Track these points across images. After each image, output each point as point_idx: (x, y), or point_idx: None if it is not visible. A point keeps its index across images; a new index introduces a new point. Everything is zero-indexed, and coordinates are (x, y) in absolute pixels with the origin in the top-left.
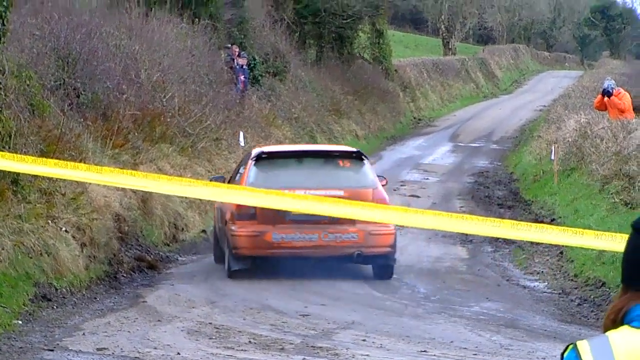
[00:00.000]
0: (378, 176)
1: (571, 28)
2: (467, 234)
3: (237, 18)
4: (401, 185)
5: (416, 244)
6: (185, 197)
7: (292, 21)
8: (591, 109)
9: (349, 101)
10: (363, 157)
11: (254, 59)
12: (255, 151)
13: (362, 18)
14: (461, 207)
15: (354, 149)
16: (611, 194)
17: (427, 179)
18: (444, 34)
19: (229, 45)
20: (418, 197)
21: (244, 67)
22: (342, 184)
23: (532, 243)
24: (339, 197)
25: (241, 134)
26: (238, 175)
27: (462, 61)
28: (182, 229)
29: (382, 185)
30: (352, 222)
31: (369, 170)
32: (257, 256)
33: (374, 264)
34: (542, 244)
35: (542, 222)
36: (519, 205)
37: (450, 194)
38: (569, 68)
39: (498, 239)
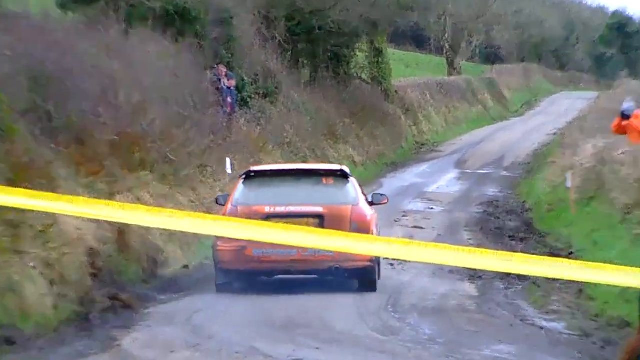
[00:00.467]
0: (379, 194)
1: (586, 46)
2: (475, 269)
3: (224, 36)
4: (403, 216)
5: (420, 280)
6: (166, 230)
7: (284, 39)
8: (610, 132)
9: (346, 125)
10: (347, 175)
11: (243, 80)
12: (245, 170)
13: (360, 36)
14: (469, 239)
15: (339, 167)
16: (634, 224)
17: (432, 208)
18: (448, 53)
19: (216, 65)
20: (422, 228)
21: (232, 88)
22: (322, 201)
23: (548, 279)
24: (317, 213)
25: (228, 160)
26: (231, 200)
27: (469, 81)
28: (162, 264)
29: (383, 203)
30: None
31: (352, 188)
32: (239, 270)
33: (354, 278)
34: (559, 280)
35: (558, 255)
36: (532, 237)
37: (457, 225)
38: (584, 88)
39: (510, 274)
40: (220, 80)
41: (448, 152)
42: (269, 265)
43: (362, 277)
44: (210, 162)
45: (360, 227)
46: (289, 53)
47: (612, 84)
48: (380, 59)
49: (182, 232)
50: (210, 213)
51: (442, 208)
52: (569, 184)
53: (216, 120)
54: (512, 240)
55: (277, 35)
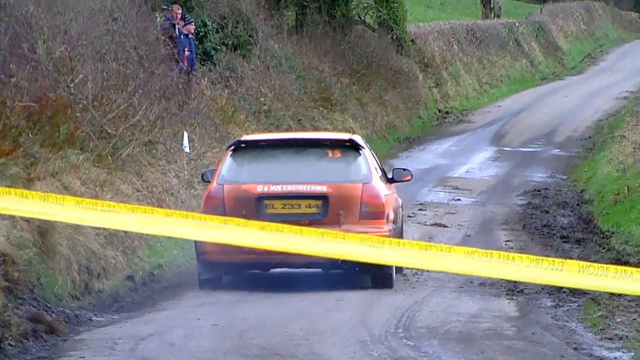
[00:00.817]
0: (401, 169)
1: None
2: (515, 282)
3: None
4: (420, 210)
5: (441, 297)
6: (104, 229)
7: None
8: None
9: (344, 86)
10: (359, 146)
11: (205, 25)
12: (234, 140)
13: None
14: (507, 241)
15: (348, 136)
16: None
17: (458, 200)
18: None
19: (168, 5)
20: (445, 226)
21: (190, 36)
22: (327, 178)
23: (611, 295)
24: (321, 193)
25: (185, 135)
26: (216, 177)
27: (510, 27)
28: (99, 275)
29: (407, 180)
30: (335, 221)
31: (363, 161)
32: (228, 262)
33: (366, 272)
34: (625, 296)
35: (626, 263)
36: (592, 238)
37: (492, 223)
38: None
39: (561, 288)
40: (174, 25)
41: (481, 123)
42: (264, 256)
43: (375, 270)
44: (161, 137)
45: (373, 210)
46: None
47: None
48: None
49: (124, 231)
50: (162, 205)
51: (473, 199)
52: None
53: (169, 80)
54: (565, 242)
55: None
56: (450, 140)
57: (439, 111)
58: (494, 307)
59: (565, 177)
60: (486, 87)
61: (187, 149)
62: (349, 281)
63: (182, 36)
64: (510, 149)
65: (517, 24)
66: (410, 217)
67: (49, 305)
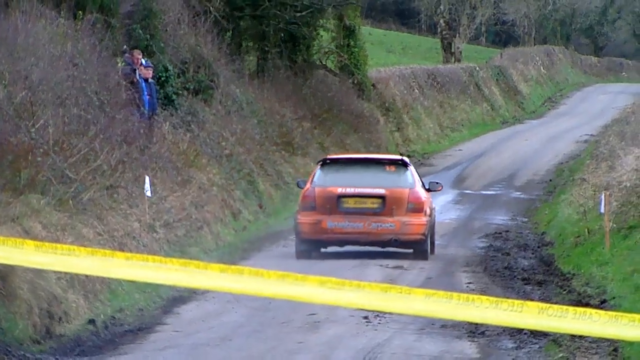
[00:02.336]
0: (435, 182)
1: (630, 22)
2: (477, 324)
3: (140, 11)
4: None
5: (403, 339)
6: (65, 273)
7: (222, 15)
8: None
9: (306, 130)
10: (407, 164)
11: (166, 70)
12: (322, 158)
13: (325, 9)
14: (469, 283)
15: (399, 157)
16: None
17: None
18: (443, 32)
19: (129, 51)
20: (406, 269)
21: (151, 81)
22: (385, 185)
23: (572, 336)
24: (380, 194)
25: (147, 179)
26: (309, 182)
27: (471, 71)
28: (60, 318)
29: (438, 190)
30: (390, 213)
31: (410, 175)
32: (315, 240)
33: (409, 248)
34: (587, 337)
35: (587, 305)
36: (553, 280)
37: (453, 265)
38: (627, 80)
39: (523, 330)
40: (135, 71)
41: (442, 166)
42: (340, 236)
43: (415, 247)
44: (123, 181)
45: (416, 207)
46: (229, 34)
47: None
48: (352, 42)
49: (86, 275)
50: (123, 249)
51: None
52: (602, 209)
53: (130, 125)
54: (526, 284)
55: (212, 8)
56: None
57: (401, 155)
58: (456, 349)
59: (526, 219)
60: (447, 130)
61: (148, 193)
62: (400, 254)
63: (142, 81)
64: (471, 192)
65: (477, 68)
66: (372, 259)
67: (9, 349)
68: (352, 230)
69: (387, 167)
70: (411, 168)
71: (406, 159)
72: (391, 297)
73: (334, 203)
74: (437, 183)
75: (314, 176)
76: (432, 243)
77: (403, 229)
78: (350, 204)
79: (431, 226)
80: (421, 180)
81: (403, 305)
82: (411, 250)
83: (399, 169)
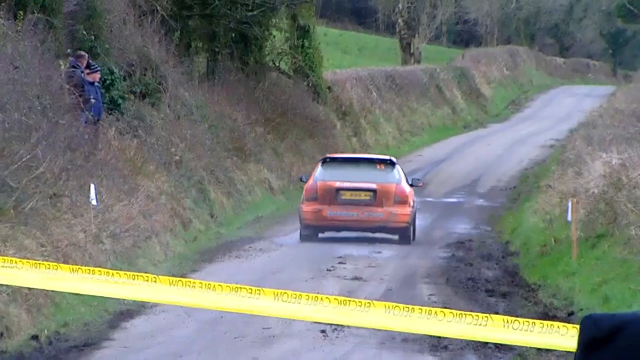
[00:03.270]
0: (416, 179)
1: (597, 21)
2: (439, 337)
3: (84, 10)
4: (339, 264)
5: (363, 353)
6: (6, 286)
7: (170, 14)
8: (628, 144)
9: (259, 136)
10: (394, 163)
11: (111, 73)
12: (323, 157)
13: (277, 8)
14: (430, 295)
15: (388, 157)
16: None
17: (379, 252)
18: (402, 32)
19: (73, 53)
20: (365, 280)
21: (96, 84)
22: (376, 180)
23: (539, 350)
24: (372, 188)
25: (92, 187)
26: (311, 178)
27: (431, 73)
28: (2, 334)
29: (419, 185)
30: (380, 204)
31: (396, 172)
32: (317, 225)
33: (395, 234)
34: (554, 351)
35: (554, 317)
36: (518, 291)
37: (414, 276)
38: (593, 81)
39: (487, 344)
40: (79, 73)
41: None
42: (338, 222)
43: (401, 233)
44: (67, 190)
45: (401, 199)
46: (177, 34)
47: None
48: (306, 42)
49: (29, 288)
50: (68, 261)
51: (394, 252)
52: (569, 217)
53: (74, 131)
54: (490, 296)
55: (159, 7)
56: None
57: None
58: None
59: (490, 228)
60: (407, 135)
61: (94, 202)
62: (386, 239)
63: (87, 84)
64: (432, 199)
65: (438, 70)
66: (329, 270)
67: None
68: (348, 218)
69: (378, 166)
70: (398, 167)
71: (394, 159)
72: (350, 310)
73: (333, 195)
74: (418, 179)
75: (316, 172)
76: (414, 229)
77: (391, 218)
78: (346, 196)
79: (414, 215)
80: (406, 176)
81: (362, 319)
82: (397, 235)
83: (388, 167)
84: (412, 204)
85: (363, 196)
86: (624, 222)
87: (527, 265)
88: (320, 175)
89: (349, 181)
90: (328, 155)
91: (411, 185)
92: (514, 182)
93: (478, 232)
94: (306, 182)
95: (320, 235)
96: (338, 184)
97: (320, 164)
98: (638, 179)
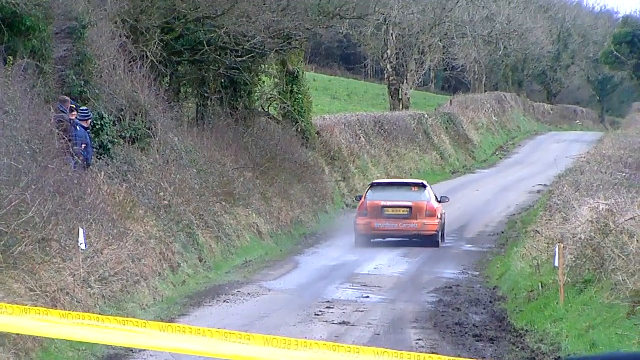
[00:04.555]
0: (444, 196)
1: (584, 68)
2: None
3: (74, 55)
4: (327, 308)
5: None
6: None
7: (159, 59)
8: (615, 190)
9: (247, 180)
10: (425, 186)
11: (101, 118)
12: (370, 183)
13: (266, 54)
14: (418, 340)
15: (420, 181)
16: None
17: (367, 297)
18: (391, 78)
19: (63, 97)
20: (352, 325)
21: (86, 129)
22: (411, 199)
23: None
24: (408, 205)
25: (81, 231)
26: (363, 198)
27: (419, 118)
28: None
29: (446, 202)
30: (415, 217)
31: (427, 192)
32: (367, 234)
33: (427, 239)
34: None
35: None
36: (506, 336)
37: (402, 321)
38: (581, 127)
39: None
40: (69, 118)
41: None
42: (383, 231)
43: (430, 239)
44: (56, 234)
45: (431, 212)
46: (167, 79)
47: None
48: (295, 87)
49: (17, 334)
50: (56, 305)
51: (382, 296)
52: (556, 262)
53: (64, 175)
54: (478, 340)
55: (149, 53)
56: None
57: (347, 205)
58: None
59: (477, 273)
60: None
61: (83, 246)
62: (419, 243)
63: (77, 129)
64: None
65: (426, 115)
66: (317, 315)
67: None
68: (390, 228)
69: (413, 188)
70: (428, 188)
71: (425, 182)
72: (339, 356)
73: (379, 211)
74: (446, 197)
75: (366, 194)
76: (443, 235)
77: (422, 227)
78: (389, 211)
79: (442, 225)
80: (435, 195)
81: None
82: (428, 241)
83: (420, 188)
84: (439, 216)
85: (401, 211)
86: (610, 268)
87: (515, 310)
88: (369, 196)
89: (390, 200)
90: (375, 181)
91: (439, 202)
92: (502, 228)
93: (466, 276)
94: (359, 200)
95: (372, 240)
96: (383, 202)
97: (369, 187)
98: (625, 225)
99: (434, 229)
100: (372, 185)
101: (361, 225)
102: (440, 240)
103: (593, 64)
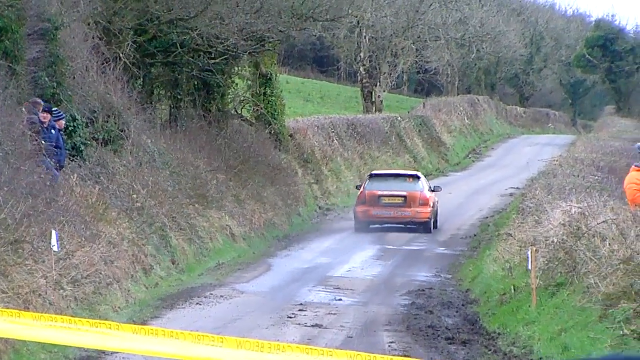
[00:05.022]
0: (437, 186)
1: (557, 71)
2: None
3: (46, 57)
4: (300, 311)
5: None
6: None
7: (133, 61)
8: (588, 193)
9: (220, 183)
10: (419, 177)
11: (74, 119)
12: (369, 174)
13: (240, 56)
14: (391, 342)
15: (414, 173)
16: (618, 322)
17: (340, 300)
18: (364, 81)
19: (35, 99)
20: (325, 328)
21: (59, 131)
22: (406, 189)
23: None
24: (403, 194)
25: (54, 233)
26: (362, 187)
27: (392, 121)
28: None
29: (439, 191)
30: (409, 206)
31: (420, 183)
32: (366, 221)
33: (420, 226)
34: None
35: None
36: (478, 339)
37: (375, 324)
38: (553, 130)
39: None
40: (41, 120)
41: None
42: (380, 219)
43: (423, 225)
44: (28, 236)
45: (424, 201)
46: (140, 81)
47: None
48: (268, 90)
49: None
50: (29, 307)
51: (355, 299)
52: (529, 265)
53: (36, 177)
54: (450, 343)
55: (122, 55)
56: (331, 238)
57: (320, 208)
58: None
59: (450, 276)
60: None
61: (55, 248)
62: (414, 229)
63: (49, 131)
64: (393, 247)
65: (399, 118)
66: (290, 317)
67: None
68: (387, 215)
69: (408, 179)
70: (422, 179)
71: (419, 173)
72: (312, 358)
73: (376, 199)
74: (438, 187)
75: (365, 184)
76: (435, 222)
77: (416, 215)
78: (386, 200)
79: (434, 213)
80: (429, 185)
81: None
82: (421, 227)
83: (414, 179)
84: (432, 205)
85: (397, 200)
86: (583, 271)
87: (487, 313)
88: (368, 186)
89: (387, 190)
90: (373, 172)
91: (432, 191)
92: (474, 231)
93: (438, 279)
94: (359, 190)
95: (370, 226)
96: (380, 192)
97: (368, 178)
98: (597, 228)
99: (427, 216)
100: (371, 176)
101: (360, 213)
102: (432, 227)
103: (565, 67)
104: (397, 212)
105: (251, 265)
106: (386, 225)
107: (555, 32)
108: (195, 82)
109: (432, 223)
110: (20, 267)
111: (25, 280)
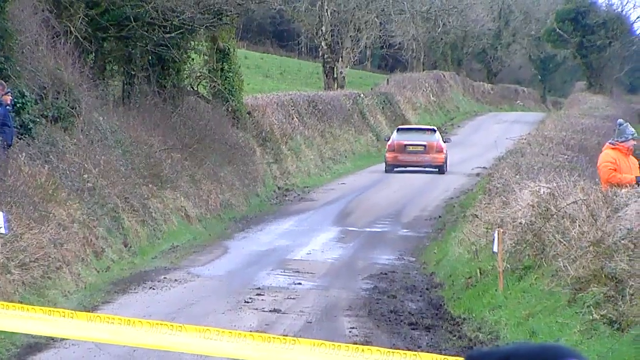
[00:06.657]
0: (447, 138)
1: (526, 46)
2: None
3: None
4: (257, 295)
5: None
6: None
7: (84, 35)
8: (557, 173)
9: (175, 162)
10: (435, 130)
11: (23, 96)
12: (397, 127)
13: (196, 30)
14: (352, 329)
15: (432, 127)
16: (588, 306)
17: (299, 284)
18: (325, 56)
19: None
20: (284, 313)
21: (8, 107)
22: (425, 140)
23: None
24: (424, 144)
25: (1, 215)
26: (391, 139)
27: (355, 98)
28: None
29: (449, 142)
30: (428, 153)
31: (437, 135)
32: (394, 164)
33: (436, 168)
34: None
35: None
36: (443, 324)
37: (335, 308)
38: (522, 108)
39: None
40: None
41: (324, 201)
42: (405, 163)
43: (439, 168)
44: None
45: (439, 149)
46: (92, 56)
47: (563, 101)
48: (226, 65)
49: None
50: None
51: (315, 283)
52: (495, 248)
53: None
54: (414, 329)
55: (73, 29)
56: (291, 219)
57: (279, 188)
58: None
59: (414, 259)
60: (329, 162)
61: (2, 230)
62: (430, 171)
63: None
64: (355, 229)
65: (362, 95)
66: (247, 302)
67: None
68: (411, 160)
69: (427, 132)
70: (437, 132)
71: (435, 128)
72: (274, 347)
73: (403, 148)
74: (449, 139)
75: (393, 135)
76: (446, 166)
77: (433, 160)
78: (410, 148)
79: (446, 158)
80: (442, 137)
81: (286, 357)
82: (437, 170)
83: (432, 132)
84: (445, 152)
85: (419, 148)
86: (551, 254)
87: (452, 297)
88: (395, 137)
89: (411, 140)
90: (399, 127)
91: (445, 142)
92: (439, 212)
93: (402, 263)
94: (388, 141)
95: (395, 170)
96: (405, 142)
97: (396, 131)
98: (567, 209)
99: (442, 161)
100: (398, 129)
101: (390, 158)
102: (445, 169)
103: (535, 42)
104: (419, 158)
105: (207, 248)
106: (409, 168)
107: (524, 5)
108: (150, 57)
109: (445, 166)
110: None
111: None
